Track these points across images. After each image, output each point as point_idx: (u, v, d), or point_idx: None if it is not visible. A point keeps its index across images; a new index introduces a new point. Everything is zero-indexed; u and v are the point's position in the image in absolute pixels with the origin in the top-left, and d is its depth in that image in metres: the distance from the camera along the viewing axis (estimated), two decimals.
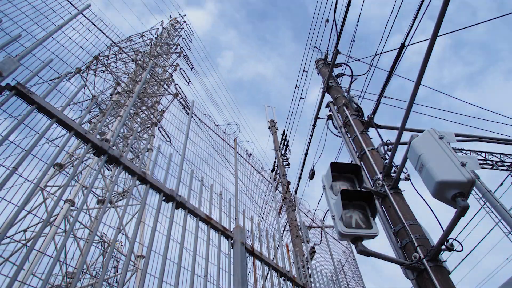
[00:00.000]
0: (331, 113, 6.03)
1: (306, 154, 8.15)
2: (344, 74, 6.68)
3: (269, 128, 12.43)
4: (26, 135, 2.07)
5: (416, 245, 3.38)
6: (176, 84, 15.63)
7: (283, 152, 11.00)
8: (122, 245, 12.18)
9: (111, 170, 11.53)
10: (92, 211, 10.39)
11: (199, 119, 5.62)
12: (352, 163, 4.73)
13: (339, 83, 6.59)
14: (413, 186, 3.70)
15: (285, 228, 8.89)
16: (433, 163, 2.95)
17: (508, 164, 11.51)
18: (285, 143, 10.99)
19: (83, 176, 9.93)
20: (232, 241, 3.17)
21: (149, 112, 14.45)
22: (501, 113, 5.99)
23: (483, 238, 10.24)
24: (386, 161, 4.17)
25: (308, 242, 8.54)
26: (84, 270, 9.81)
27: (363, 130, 5.08)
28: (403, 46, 4.68)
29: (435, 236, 3.34)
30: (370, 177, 4.49)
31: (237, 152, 5.14)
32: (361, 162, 4.77)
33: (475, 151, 11.48)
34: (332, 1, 6.25)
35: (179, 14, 26.74)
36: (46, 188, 9.47)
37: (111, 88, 13.89)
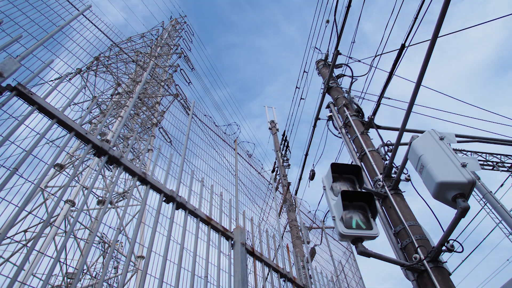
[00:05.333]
0: (331, 113, 6.03)
1: (306, 155, 8.16)
2: (344, 75, 6.69)
3: (269, 128, 12.43)
4: (26, 135, 2.07)
5: (417, 246, 3.38)
6: (176, 85, 15.64)
7: (283, 152, 11.00)
8: (122, 246, 12.18)
9: (111, 171, 11.54)
10: (92, 212, 10.39)
11: (200, 119, 5.62)
12: (353, 164, 4.73)
13: (340, 84, 6.59)
14: (414, 187, 3.70)
15: (285, 228, 8.88)
16: (434, 164, 2.95)
17: (509, 165, 11.50)
18: (286, 143, 10.99)
19: (84, 176, 9.94)
20: (232, 242, 3.17)
21: (150, 113, 14.46)
22: (501, 113, 5.98)
23: (484, 239, 10.23)
24: (387, 162, 4.17)
25: (308, 243, 8.54)
26: (85, 271, 9.81)
27: (364, 131, 5.08)
28: (403, 47, 4.68)
29: (435, 237, 3.34)
30: (371, 178, 4.49)
31: (238, 153, 5.14)
32: (362, 163, 4.76)
33: (476, 152, 11.47)
34: (332, 2, 6.26)
35: (180, 15, 26.79)
36: (47, 189, 9.47)
37: (112, 89, 13.91)
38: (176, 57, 20.66)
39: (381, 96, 5.00)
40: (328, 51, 7.41)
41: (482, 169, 11.25)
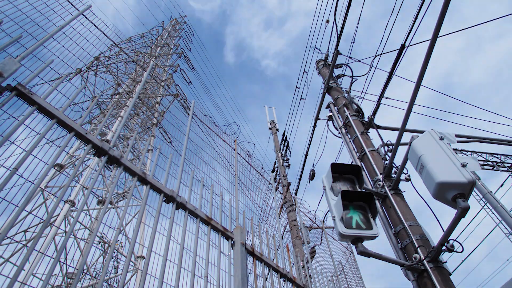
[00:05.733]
0: (331, 113, 6.03)
1: (306, 155, 8.16)
2: (344, 75, 6.69)
3: (269, 128, 12.43)
4: (26, 135, 2.07)
5: (417, 246, 3.38)
6: (176, 85, 15.64)
7: (283, 152, 11.00)
8: (122, 246, 12.18)
9: (111, 171, 11.54)
10: (92, 212, 10.39)
11: (200, 119, 5.62)
12: (353, 164, 4.72)
13: (340, 83, 6.59)
14: (414, 187, 3.70)
15: (285, 228, 8.88)
16: (434, 164, 2.95)
17: (509, 165, 11.50)
18: (285, 143, 10.99)
19: (84, 176, 9.94)
20: (232, 242, 3.17)
21: (150, 113, 14.46)
22: (501, 113, 5.98)
23: (484, 239, 10.23)
24: (387, 162, 4.17)
25: (308, 243, 8.54)
26: (85, 271, 9.81)
27: (364, 130, 5.08)
28: (403, 47, 4.68)
29: (435, 237, 3.34)
30: (371, 178, 4.49)
31: (238, 153, 5.14)
32: (362, 163, 4.76)
33: (476, 152, 11.48)
34: (332, 2, 6.26)
35: (180, 15, 26.79)
36: (47, 189, 9.47)
37: (112, 89, 13.91)
38: (176, 57, 20.67)
39: (381, 96, 4.99)
40: (328, 51, 7.42)
41: (482, 169, 11.25)
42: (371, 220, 3.43)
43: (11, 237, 7.74)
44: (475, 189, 6.48)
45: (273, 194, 8.69)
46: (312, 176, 7.57)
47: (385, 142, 4.84)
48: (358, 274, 9.18)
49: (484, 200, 8.55)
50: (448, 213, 2.93)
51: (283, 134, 11.06)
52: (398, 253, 3.63)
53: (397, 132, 3.92)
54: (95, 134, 2.38)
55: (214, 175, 4.65)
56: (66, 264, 8.22)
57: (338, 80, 6.69)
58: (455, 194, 2.74)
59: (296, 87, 9.60)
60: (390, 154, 4.12)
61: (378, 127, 5.05)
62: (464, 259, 9.26)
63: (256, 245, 3.47)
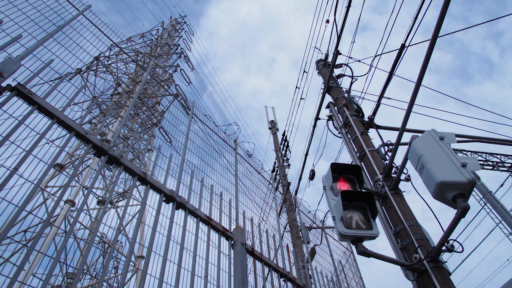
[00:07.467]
0: (331, 113, 6.03)
1: (306, 155, 8.16)
2: (344, 75, 6.68)
3: (269, 128, 12.43)
4: (26, 135, 2.07)
5: (417, 246, 3.38)
6: (176, 85, 15.63)
7: (283, 152, 11.00)
8: (122, 246, 12.18)
9: (111, 171, 11.54)
10: (92, 212, 10.39)
11: (200, 119, 5.63)
12: (353, 163, 4.72)
13: (340, 83, 6.59)
14: (414, 187, 3.70)
15: (285, 228, 8.88)
16: (434, 164, 2.95)
17: (509, 165, 11.51)
18: (285, 143, 10.99)
19: (84, 176, 9.94)
20: (232, 242, 3.17)
21: (150, 113, 14.46)
22: (501, 113, 5.99)
23: (484, 239, 10.22)
24: (387, 162, 4.17)
25: (308, 242, 8.54)
26: (85, 271, 9.81)
27: (364, 130, 5.08)
28: (403, 47, 4.68)
29: (435, 237, 3.34)
30: (371, 177, 4.49)
31: (237, 153, 5.14)
32: (362, 163, 4.76)
33: (476, 152, 11.48)
34: (332, 2, 6.27)
35: (179, 15, 26.80)
36: (47, 189, 9.48)
37: (112, 89, 13.91)
38: (176, 57, 20.66)
39: (381, 96, 4.99)
40: (328, 51, 7.41)
41: (482, 169, 11.25)
42: (371, 220, 3.43)
43: (11, 237, 7.74)
44: (475, 189, 6.48)
45: (273, 194, 8.69)
46: (312, 176, 7.56)
47: (385, 142, 4.84)
48: (358, 274, 9.18)
49: (484, 200, 8.55)
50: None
51: (283, 134, 11.06)
52: (398, 253, 3.63)
53: (397, 132, 3.93)
54: (95, 134, 2.38)
55: (214, 175, 4.65)
56: (66, 264, 8.23)
57: (338, 80, 6.68)
58: (455, 194, 2.73)
59: (296, 87, 9.60)
60: (390, 154, 4.12)
61: (378, 127, 5.05)
62: (464, 259, 9.24)
63: (256, 245, 3.47)
